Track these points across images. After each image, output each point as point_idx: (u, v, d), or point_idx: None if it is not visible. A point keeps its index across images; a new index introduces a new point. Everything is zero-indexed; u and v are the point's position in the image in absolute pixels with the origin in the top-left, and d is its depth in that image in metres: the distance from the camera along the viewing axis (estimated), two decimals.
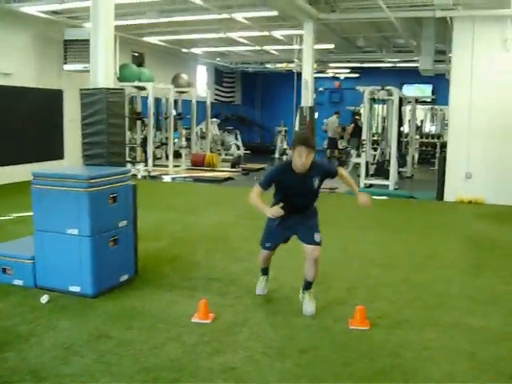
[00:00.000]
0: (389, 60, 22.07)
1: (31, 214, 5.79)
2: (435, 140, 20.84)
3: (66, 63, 14.17)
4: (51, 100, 14.84)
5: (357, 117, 18.76)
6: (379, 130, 16.41)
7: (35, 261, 5.73)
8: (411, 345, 4.54)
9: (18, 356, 4.18)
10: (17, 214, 9.56)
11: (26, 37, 14.02)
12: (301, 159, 4.81)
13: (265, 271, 5.80)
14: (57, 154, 14.93)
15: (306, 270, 5.27)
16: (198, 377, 3.93)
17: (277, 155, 23.00)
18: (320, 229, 5.23)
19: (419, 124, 21.66)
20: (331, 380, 3.92)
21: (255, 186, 5.09)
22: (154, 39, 18.29)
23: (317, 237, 5.17)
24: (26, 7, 12.82)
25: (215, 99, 25.34)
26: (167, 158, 17.47)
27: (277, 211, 4.83)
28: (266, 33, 16.38)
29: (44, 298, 5.35)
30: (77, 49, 13.75)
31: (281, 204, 4.96)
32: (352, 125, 18.94)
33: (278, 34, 16.71)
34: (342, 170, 5.39)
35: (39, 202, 5.65)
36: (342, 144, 21.18)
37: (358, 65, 24.20)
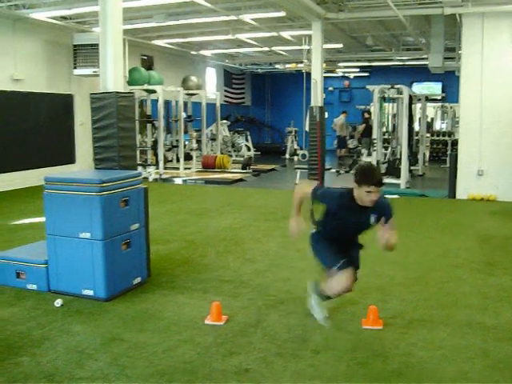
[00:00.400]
0: (398, 58, 22.00)
1: (44, 218, 5.82)
2: (446, 138, 20.75)
3: (75, 68, 14.25)
4: (62, 105, 14.93)
5: (367, 115, 18.71)
6: (390, 129, 16.38)
7: (48, 265, 5.77)
8: (425, 344, 4.52)
9: (32, 360, 4.20)
10: (29, 219, 9.62)
11: (36, 42, 14.11)
12: (369, 197, 4.36)
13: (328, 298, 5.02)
14: (68, 158, 15.01)
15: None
16: (212, 379, 3.93)
17: (287, 156, 22.98)
18: None
19: (430, 122, 21.60)
20: (345, 380, 3.91)
21: (309, 186, 4.73)
22: (162, 42, 18.35)
23: (358, 265, 4.91)
24: (36, 13, 12.90)
25: (225, 101, 25.38)
26: (178, 160, 17.51)
27: (295, 230, 4.64)
28: (274, 33, 16.38)
29: (58, 302, 5.38)
30: (86, 53, 13.84)
31: (300, 223, 4.64)
32: (363, 125, 18.90)
33: (286, 34, 16.71)
34: (393, 224, 4.63)
35: (51, 207, 5.68)
36: (352, 143, 21.16)
37: (367, 64, 24.15)
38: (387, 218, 4.56)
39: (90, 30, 14.64)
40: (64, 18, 13.89)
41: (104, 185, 5.45)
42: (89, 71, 13.94)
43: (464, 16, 12.22)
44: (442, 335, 4.71)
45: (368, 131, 16.82)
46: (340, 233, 4.73)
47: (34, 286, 5.84)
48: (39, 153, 13.90)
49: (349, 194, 4.50)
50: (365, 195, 4.35)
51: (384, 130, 15.82)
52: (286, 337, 4.67)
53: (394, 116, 16.01)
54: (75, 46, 14.16)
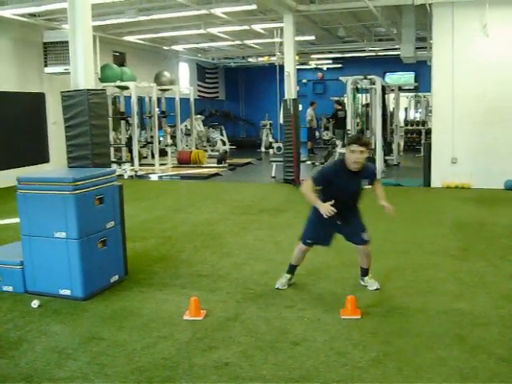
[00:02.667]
0: (370, 49, 22.11)
1: (18, 219, 5.76)
2: (420, 127, 20.90)
3: (46, 66, 14.09)
4: (34, 103, 14.73)
5: (338, 106, 18.67)
6: (363, 119, 16.44)
7: (24, 266, 5.71)
8: (402, 332, 4.57)
9: (10, 362, 4.16)
10: (3, 220, 9.51)
11: (5, 41, 13.89)
12: (354, 154, 5.11)
13: (292, 269, 5.77)
14: (42, 157, 14.83)
15: (361, 260, 5.73)
16: (192, 374, 3.93)
17: (263, 149, 22.98)
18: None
19: (404, 112, 21.76)
20: (325, 370, 3.94)
21: (307, 179, 5.38)
22: (134, 38, 18.20)
23: (365, 236, 5.58)
24: (3, 11, 12.68)
25: (198, 95, 25.27)
26: (153, 156, 17.41)
27: (328, 209, 5.03)
28: (246, 27, 16.36)
29: (34, 303, 5.33)
30: (57, 51, 13.70)
31: (332, 201, 5.08)
32: (333, 119, 18.84)
33: (258, 27, 16.70)
34: (380, 183, 5.70)
35: (25, 207, 5.62)
36: (327, 135, 21.23)
37: (340, 55, 24.22)
38: (375, 179, 5.58)
39: (60, 27, 14.46)
40: (33, 15, 13.72)
41: (77, 183, 5.40)
42: (60, 69, 13.79)
43: (434, 6, 12.29)
44: (420, 323, 4.77)
45: (341, 122, 16.87)
46: (339, 201, 5.16)
47: (10, 288, 5.77)
48: (12, 153, 13.71)
49: (342, 161, 5.30)
50: (350, 155, 5.12)
51: (358, 120, 15.85)
52: (265, 329, 4.69)
53: (367, 106, 16.06)
54: (45, 43, 14.01)
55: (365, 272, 5.74)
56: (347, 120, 14.79)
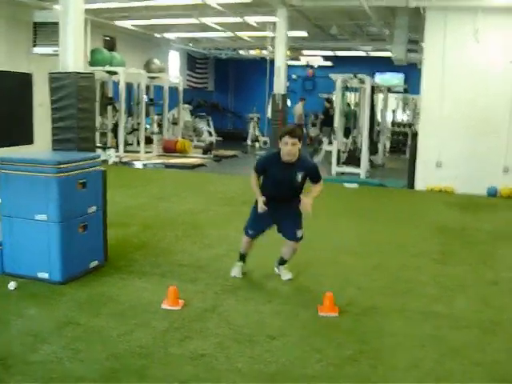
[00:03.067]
0: (362, 49, 22.13)
1: None
2: (407, 129, 20.96)
3: (35, 46, 13.91)
4: (20, 84, 14.55)
5: (327, 104, 18.71)
6: (350, 118, 16.44)
7: (2, 247, 5.65)
8: (379, 332, 4.59)
9: None
10: None
11: None
12: (286, 147, 5.20)
13: (243, 257, 5.91)
14: (26, 138, 14.66)
15: (285, 252, 5.81)
16: (168, 363, 3.92)
17: (249, 142, 22.90)
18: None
19: (391, 113, 21.80)
20: (300, 365, 3.95)
21: (252, 170, 5.58)
22: (126, 23, 18.06)
23: (299, 233, 5.64)
24: None
25: (188, 85, 25.15)
26: (138, 143, 17.30)
27: (262, 207, 5.34)
28: (239, 19, 16.29)
29: (11, 285, 5.28)
30: (46, 32, 13.49)
31: (263, 199, 5.37)
32: (322, 116, 18.84)
33: (251, 20, 16.63)
34: (321, 182, 5.55)
35: (7, 188, 5.56)
36: (314, 131, 21.24)
37: (331, 53, 24.22)
38: (314, 178, 5.47)
39: (51, 7, 14.28)
40: None
41: (61, 166, 5.35)
42: (49, 50, 13.57)
43: (428, 9, 12.32)
44: (397, 323, 4.79)
45: (329, 120, 16.86)
46: (275, 191, 5.42)
47: None
48: None
49: (277, 153, 5.39)
50: (284, 147, 5.22)
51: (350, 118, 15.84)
52: (243, 322, 4.68)
53: (355, 105, 16.08)
54: (35, 23, 13.80)
55: (283, 262, 5.88)
56: (335, 118, 14.78)
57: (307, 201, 5.33)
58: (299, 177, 5.37)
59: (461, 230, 8.65)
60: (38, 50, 13.87)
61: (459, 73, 12.08)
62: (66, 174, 5.40)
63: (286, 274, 5.82)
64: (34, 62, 14.69)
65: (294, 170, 5.35)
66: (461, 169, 12.13)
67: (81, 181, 5.60)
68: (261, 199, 5.37)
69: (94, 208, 5.85)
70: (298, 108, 20.83)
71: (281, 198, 5.47)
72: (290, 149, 5.19)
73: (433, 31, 12.32)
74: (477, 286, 5.95)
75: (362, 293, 5.55)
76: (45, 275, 5.45)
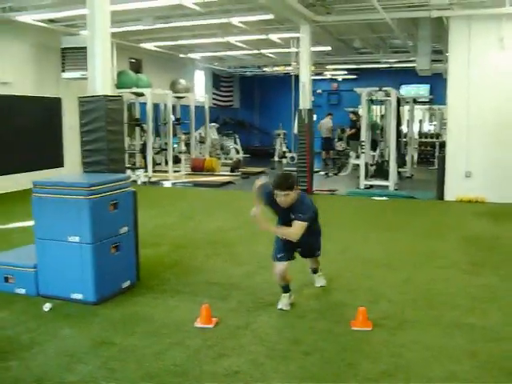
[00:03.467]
0: (386, 61, 22.08)
1: (32, 222, 5.80)
2: (434, 140, 20.83)
3: (63, 71, 14.20)
4: (50, 108, 14.86)
5: (353, 117, 18.64)
6: (377, 131, 16.40)
7: (37, 269, 5.75)
8: (413, 345, 4.55)
9: (21, 364, 4.19)
10: (18, 223, 9.58)
11: (24, 45, 14.04)
12: (279, 199, 5.13)
13: (286, 289, 5.54)
14: (57, 161, 14.93)
15: (311, 266, 6.11)
16: (202, 381, 3.94)
17: (276, 158, 23.00)
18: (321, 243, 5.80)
19: (418, 124, 21.70)
20: (335, 381, 3.93)
21: (261, 181, 5.53)
22: (151, 45, 18.31)
23: (317, 253, 5.87)
24: (23, 16, 12.83)
25: (213, 103, 25.36)
26: (167, 163, 17.47)
27: (254, 212, 5.27)
28: (263, 36, 16.41)
29: (46, 306, 5.36)
30: (74, 56, 13.78)
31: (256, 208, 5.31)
32: (353, 130, 18.76)
33: (275, 37, 16.73)
34: (300, 226, 5.11)
35: (40, 211, 5.66)
36: (341, 145, 21.20)
37: (355, 66, 24.22)
38: (297, 217, 5.14)
39: (78, 33, 14.58)
40: (52, 20, 13.85)
41: (92, 188, 5.44)
42: (77, 74, 13.88)
43: (451, 19, 12.28)
44: (431, 336, 4.75)
45: (356, 133, 16.80)
46: (284, 224, 5.32)
47: (23, 291, 5.81)
48: (27, 156, 13.82)
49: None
50: (277, 199, 5.13)
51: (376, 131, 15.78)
52: (276, 339, 4.69)
53: (381, 118, 16.03)
54: (63, 49, 14.11)
55: (315, 270, 6.13)
56: (361, 131, 14.75)
57: (267, 225, 5.26)
58: (292, 217, 5.19)
59: (492, 239, 8.55)
60: (66, 74, 14.16)
61: (485, 81, 12.00)
62: (98, 195, 5.48)
63: (321, 281, 6.12)
64: (62, 86, 15.00)
65: (289, 211, 5.19)
66: (490, 178, 12.02)
67: (112, 202, 5.68)
68: (257, 206, 5.28)
69: (125, 228, 5.92)
70: (326, 122, 20.81)
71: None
72: (283, 200, 5.10)
73: (457, 40, 12.27)
74: (509, 296, 5.86)
75: (394, 306, 5.51)
76: (79, 296, 5.52)
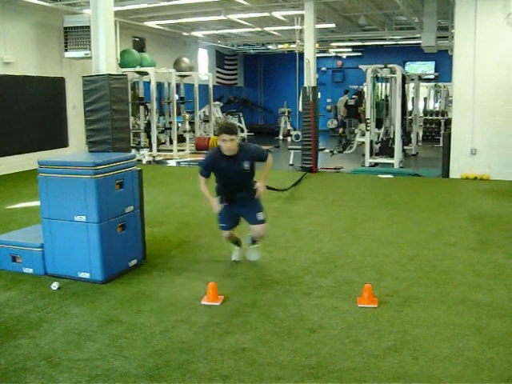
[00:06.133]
0: (391, 38, 21.91)
1: (38, 202, 5.82)
2: (439, 117, 20.73)
3: (66, 50, 14.13)
4: (53, 88, 14.83)
5: (354, 96, 18.56)
6: (382, 109, 16.32)
7: (44, 249, 5.78)
8: (419, 321, 4.57)
9: (30, 342, 4.23)
10: (24, 203, 9.61)
11: (26, 25, 13.97)
12: (225, 143, 5.46)
13: (236, 244, 6.25)
14: (61, 141, 14.95)
15: (252, 234, 6.09)
16: (209, 358, 3.97)
17: (281, 137, 22.94)
18: (264, 208, 6.00)
19: (423, 101, 21.58)
20: (341, 358, 3.96)
21: (198, 175, 5.76)
22: (154, 24, 18.20)
23: (260, 216, 5.89)
24: None
25: (217, 82, 25.28)
26: (171, 142, 17.48)
27: (216, 208, 5.68)
28: (266, 14, 16.28)
29: (54, 285, 5.41)
30: (77, 36, 13.72)
31: (217, 199, 5.73)
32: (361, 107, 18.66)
33: (278, 14, 16.60)
34: (270, 157, 5.84)
35: (46, 191, 5.68)
36: (332, 123, 21.13)
37: (360, 43, 24.06)
38: (260, 158, 5.75)
39: (81, 12, 14.48)
40: (54, 0, 13.76)
41: (98, 167, 5.44)
42: (80, 54, 13.83)
43: None
44: (437, 313, 4.76)
45: (351, 111, 16.70)
46: (229, 184, 5.75)
47: (30, 270, 5.86)
48: (31, 137, 13.84)
49: (217, 149, 5.66)
50: (222, 144, 5.48)
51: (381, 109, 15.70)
52: (282, 316, 4.71)
53: (386, 96, 15.94)
54: (66, 28, 14.03)
55: (253, 240, 6.19)
56: (366, 109, 14.67)
57: (260, 184, 5.74)
58: (246, 165, 5.63)
59: (498, 217, 8.54)
60: (69, 54, 14.10)
61: (491, 58, 11.90)
62: (104, 174, 5.49)
63: (252, 254, 6.22)
64: (65, 65, 14.97)
65: (239, 160, 5.59)
66: (496, 155, 11.98)
67: (118, 181, 5.70)
68: (212, 201, 5.67)
69: (131, 207, 5.94)
70: (343, 101, 20.68)
71: (237, 190, 5.79)
72: (228, 145, 5.45)
73: (463, 17, 12.15)
74: None
75: (400, 283, 5.53)
76: (86, 275, 5.56)
